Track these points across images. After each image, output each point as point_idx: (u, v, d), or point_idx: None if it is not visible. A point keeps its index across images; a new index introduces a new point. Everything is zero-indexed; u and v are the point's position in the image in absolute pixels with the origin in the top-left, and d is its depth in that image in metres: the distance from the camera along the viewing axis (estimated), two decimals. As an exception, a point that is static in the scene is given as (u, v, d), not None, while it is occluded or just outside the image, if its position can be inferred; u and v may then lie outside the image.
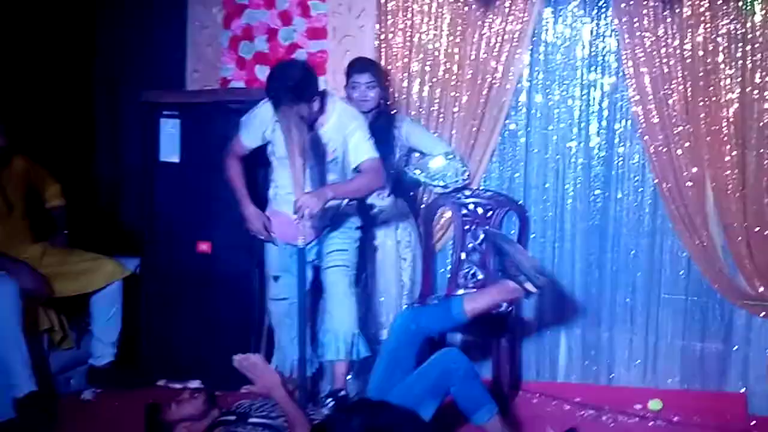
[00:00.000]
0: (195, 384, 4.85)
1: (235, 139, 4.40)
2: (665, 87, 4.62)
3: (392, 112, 4.82)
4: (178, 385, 4.86)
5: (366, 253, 4.67)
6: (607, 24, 4.82)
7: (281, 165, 4.23)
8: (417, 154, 4.90)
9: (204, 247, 4.88)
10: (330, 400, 4.01)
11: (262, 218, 4.36)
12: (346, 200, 4.29)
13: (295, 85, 3.96)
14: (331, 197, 4.00)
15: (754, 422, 4.52)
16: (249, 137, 4.35)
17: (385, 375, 3.96)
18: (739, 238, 4.57)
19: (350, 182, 4.17)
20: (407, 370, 3.92)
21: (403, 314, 4.15)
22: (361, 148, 4.16)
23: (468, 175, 4.85)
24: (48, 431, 4.27)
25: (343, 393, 4.08)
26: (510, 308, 4.61)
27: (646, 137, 4.69)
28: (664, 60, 4.61)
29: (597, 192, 4.91)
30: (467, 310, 3.97)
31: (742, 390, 4.71)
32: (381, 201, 4.69)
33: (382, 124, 4.69)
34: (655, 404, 4.66)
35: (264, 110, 4.22)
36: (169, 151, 4.92)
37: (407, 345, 3.96)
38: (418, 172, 4.79)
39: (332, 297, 4.28)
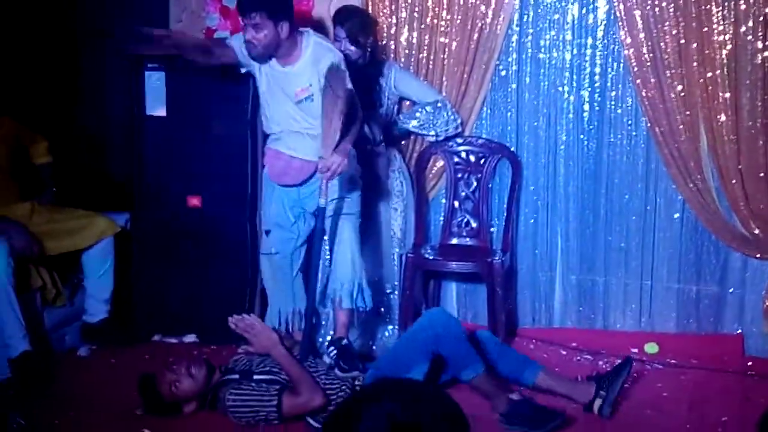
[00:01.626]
0: (190, 338, 4.87)
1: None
2: (657, 29, 4.56)
3: (381, 60, 4.74)
4: (173, 340, 4.87)
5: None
6: (598, -34, 4.74)
7: (272, 100, 4.22)
8: (407, 103, 4.84)
9: (194, 201, 4.83)
10: (332, 348, 4.02)
11: None
12: None
13: None
14: (349, 149, 4.02)
15: (750, 363, 4.56)
16: (239, 55, 4.23)
17: (396, 356, 3.99)
18: (734, 180, 4.55)
19: (353, 127, 4.12)
20: (423, 360, 3.91)
21: (440, 316, 4.08)
22: None
23: (459, 124, 4.79)
24: (44, 389, 4.26)
25: (345, 342, 4.09)
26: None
27: (639, 81, 4.63)
28: (656, 1, 4.54)
29: (590, 136, 4.85)
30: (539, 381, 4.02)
31: (738, 332, 4.72)
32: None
33: (370, 73, 4.64)
34: (651, 348, 4.69)
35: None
36: (155, 104, 4.85)
37: (426, 340, 3.92)
38: (407, 121, 4.73)
39: (337, 245, 4.23)
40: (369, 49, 4.60)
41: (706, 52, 4.51)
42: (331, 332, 4.32)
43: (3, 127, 4.71)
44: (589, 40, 4.79)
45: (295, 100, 4.16)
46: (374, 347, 4.65)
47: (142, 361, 4.52)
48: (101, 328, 4.81)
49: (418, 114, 4.72)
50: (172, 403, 3.80)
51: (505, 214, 4.91)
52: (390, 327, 4.72)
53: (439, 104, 4.72)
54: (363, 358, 4.13)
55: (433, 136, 4.76)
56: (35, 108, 5.12)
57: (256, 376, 3.75)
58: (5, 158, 4.70)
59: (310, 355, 4.01)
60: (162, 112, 4.83)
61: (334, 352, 4.00)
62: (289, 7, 4.16)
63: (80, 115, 5.64)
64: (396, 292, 4.72)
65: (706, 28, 4.49)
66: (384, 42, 4.88)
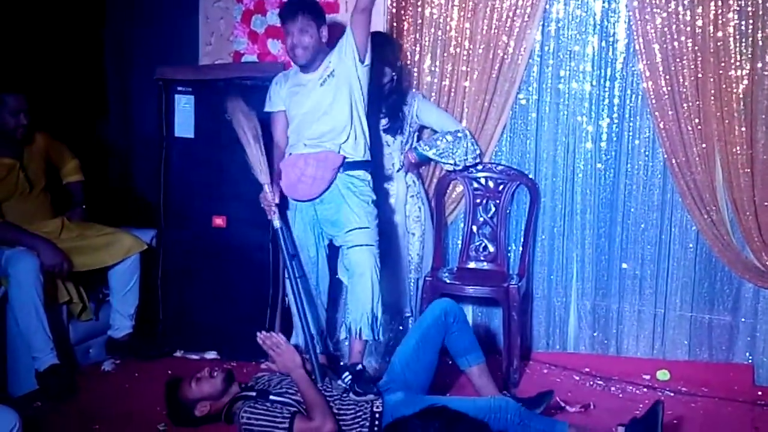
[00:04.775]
0: (211, 355, 4.97)
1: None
2: (676, 63, 4.63)
3: (405, 90, 4.83)
4: (195, 356, 4.97)
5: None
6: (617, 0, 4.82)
7: (296, 112, 4.40)
8: (428, 131, 4.94)
9: (219, 221, 4.95)
10: (347, 374, 4.07)
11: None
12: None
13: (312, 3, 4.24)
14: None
15: (760, 393, 4.61)
16: (275, 102, 4.44)
17: (414, 349, 4.09)
18: (748, 212, 4.61)
19: None
20: (434, 349, 4.07)
21: (446, 303, 4.18)
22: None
23: (478, 154, 4.86)
24: (69, 401, 4.37)
25: (359, 367, 4.13)
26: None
27: (656, 113, 4.70)
28: (675, 36, 4.62)
29: (607, 166, 4.93)
30: None
31: (749, 361, 4.77)
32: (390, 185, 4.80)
33: (393, 101, 4.74)
34: (663, 375, 4.75)
35: (275, 81, 4.46)
36: (184, 126, 4.98)
37: (438, 330, 4.07)
38: (427, 149, 4.80)
39: (357, 276, 4.23)
40: (394, 75, 4.71)
41: (723, 86, 4.58)
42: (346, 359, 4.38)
43: (38, 142, 4.85)
44: (609, 72, 4.88)
45: (320, 82, 4.29)
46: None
47: (164, 376, 4.58)
48: (126, 342, 4.93)
49: (438, 142, 4.80)
50: (190, 406, 3.88)
51: (522, 239, 5.00)
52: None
53: (459, 134, 4.80)
54: (377, 381, 4.19)
55: (451, 164, 4.83)
56: (66, 125, 5.25)
57: (272, 397, 3.79)
58: (40, 175, 4.83)
59: (326, 377, 4.07)
60: (190, 133, 4.96)
61: (349, 377, 4.04)
62: (324, 14, 4.34)
63: (110, 134, 5.79)
64: (412, 317, 4.80)
65: (723, 63, 4.56)
66: (407, 69, 4.97)
